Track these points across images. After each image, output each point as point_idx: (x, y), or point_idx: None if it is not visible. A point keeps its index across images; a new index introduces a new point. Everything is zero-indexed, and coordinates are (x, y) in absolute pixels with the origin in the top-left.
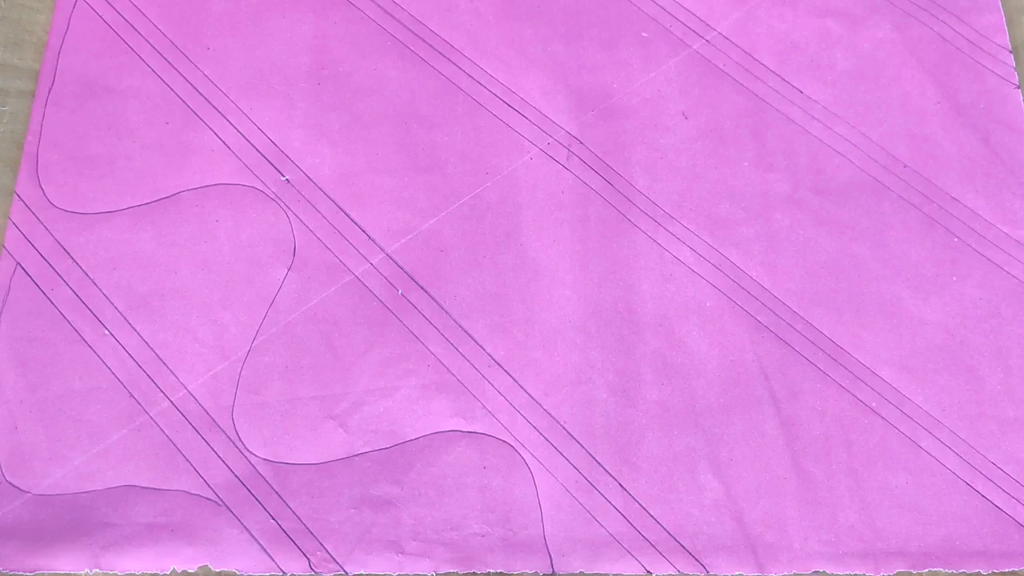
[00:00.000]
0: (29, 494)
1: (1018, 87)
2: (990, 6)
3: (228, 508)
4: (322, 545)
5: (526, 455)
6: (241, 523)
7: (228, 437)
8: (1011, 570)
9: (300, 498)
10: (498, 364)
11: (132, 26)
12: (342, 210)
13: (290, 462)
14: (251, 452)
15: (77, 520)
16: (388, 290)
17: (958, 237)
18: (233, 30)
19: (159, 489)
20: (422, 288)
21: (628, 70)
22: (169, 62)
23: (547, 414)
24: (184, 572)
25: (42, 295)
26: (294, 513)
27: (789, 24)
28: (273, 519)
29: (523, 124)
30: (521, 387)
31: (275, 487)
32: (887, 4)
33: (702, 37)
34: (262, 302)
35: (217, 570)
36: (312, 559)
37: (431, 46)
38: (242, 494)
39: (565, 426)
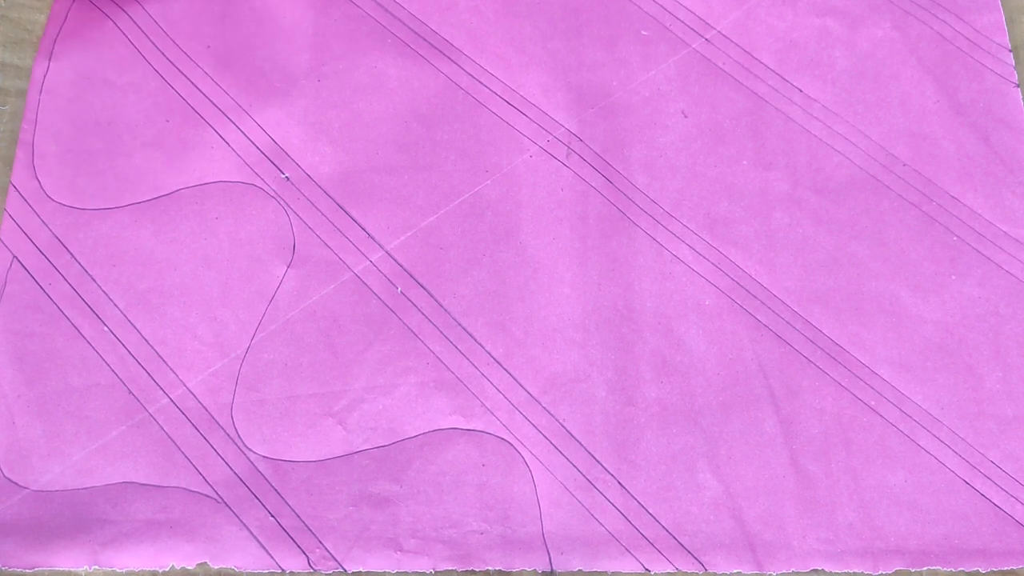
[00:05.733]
0: (27, 490)
1: (1018, 86)
2: (990, 5)
3: (227, 505)
4: (321, 542)
5: (525, 453)
6: (240, 520)
7: (227, 434)
8: (1010, 568)
9: (299, 495)
10: (497, 362)
11: (133, 21)
12: (341, 208)
13: (289, 459)
14: (250, 449)
15: (76, 516)
16: (387, 288)
17: (957, 236)
18: (234, 28)
19: (158, 486)
20: (421, 286)
21: (628, 68)
22: (169, 59)
23: (546, 412)
24: (183, 569)
25: (39, 290)
26: (293, 510)
27: (789, 23)
28: (272, 516)
29: (523, 122)
30: (520, 385)
31: (274, 484)
32: (887, 3)
33: (702, 36)
34: (261, 299)
35: (216, 567)
36: (311, 556)
37: (431, 44)
38: (241, 491)
39: (564, 424)
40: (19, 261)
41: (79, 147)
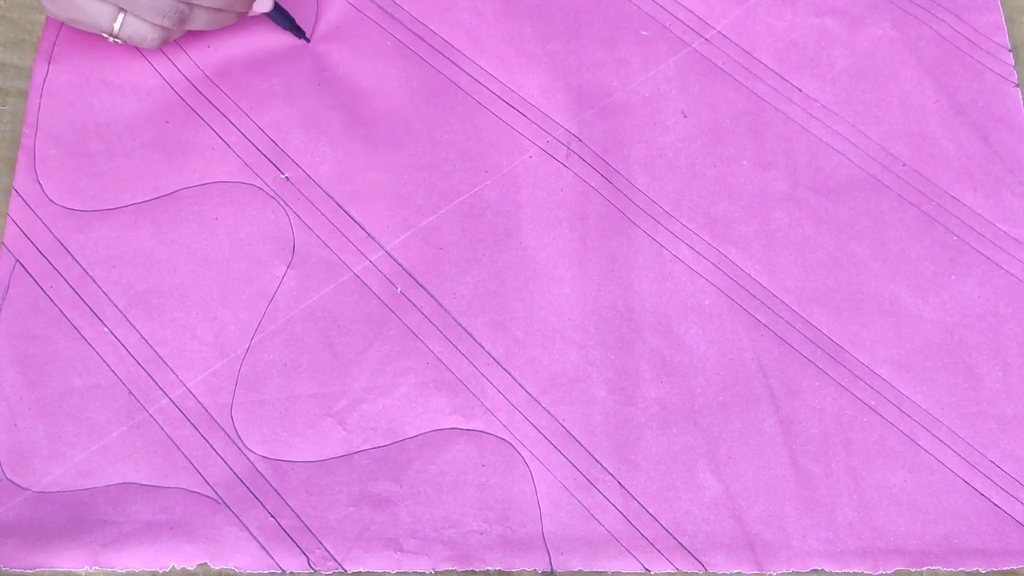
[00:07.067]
0: (29, 491)
1: (1017, 86)
2: (989, 5)
3: (227, 506)
4: (321, 543)
5: (525, 453)
6: (240, 521)
7: (227, 435)
8: (1009, 568)
9: (299, 496)
10: (497, 362)
11: None
12: (341, 208)
13: (289, 460)
14: (250, 450)
15: (77, 517)
16: (387, 288)
17: (957, 235)
18: (234, 29)
19: (158, 487)
20: (421, 286)
21: (627, 68)
22: (169, 59)
23: (546, 412)
24: (183, 570)
25: (41, 292)
26: (293, 511)
27: (788, 23)
28: (272, 517)
29: (522, 122)
30: (520, 385)
31: (274, 485)
32: (886, 2)
33: (701, 36)
34: (261, 299)
35: (216, 568)
36: (311, 557)
37: (430, 45)
38: (241, 492)
39: (564, 424)
40: (22, 265)
41: (80, 149)
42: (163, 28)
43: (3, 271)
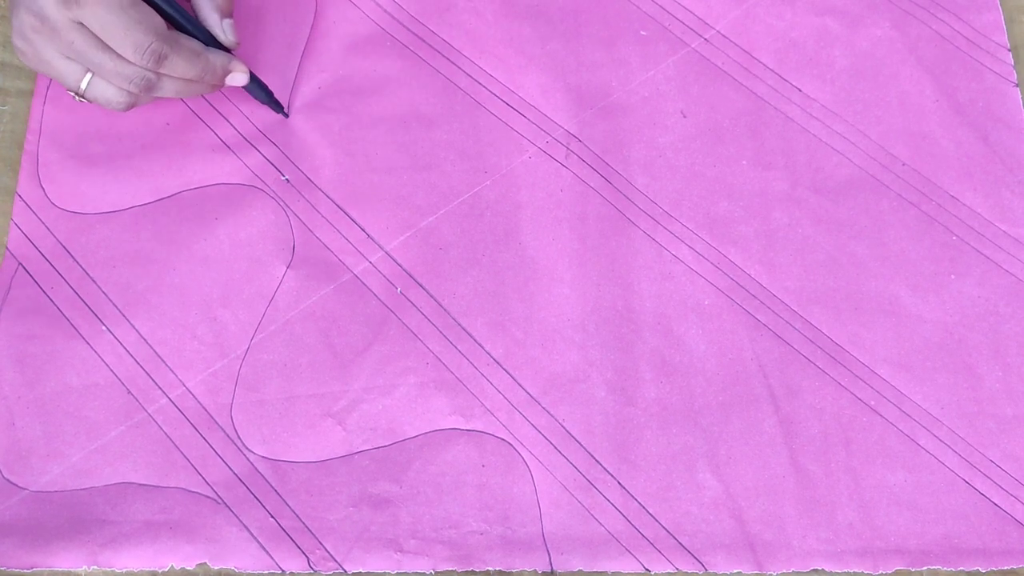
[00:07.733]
0: (27, 491)
1: (1017, 85)
2: (989, 4)
3: (227, 506)
4: (320, 543)
5: (525, 453)
6: (240, 521)
7: (227, 435)
8: (1009, 568)
9: (299, 496)
10: (497, 362)
11: None
12: (341, 209)
13: (289, 460)
14: (249, 450)
15: (75, 517)
16: (387, 288)
17: (956, 235)
18: None
19: (157, 486)
20: (421, 286)
21: (627, 68)
22: None
23: (546, 412)
24: (182, 570)
25: (42, 293)
26: (292, 511)
27: (788, 22)
28: (272, 517)
29: (522, 122)
30: (520, 385)
31: (274, 485)
32: (886, 2)
33: (701, 36)
34: (261, 300)
35: (216, 568)
36: (311, 557)
37: (430, 45)
38: (240, 492)
39: (564, 424)
40: (24, 268)
41: (82, 153)
42: (130, 93)
43: (5, 274)
